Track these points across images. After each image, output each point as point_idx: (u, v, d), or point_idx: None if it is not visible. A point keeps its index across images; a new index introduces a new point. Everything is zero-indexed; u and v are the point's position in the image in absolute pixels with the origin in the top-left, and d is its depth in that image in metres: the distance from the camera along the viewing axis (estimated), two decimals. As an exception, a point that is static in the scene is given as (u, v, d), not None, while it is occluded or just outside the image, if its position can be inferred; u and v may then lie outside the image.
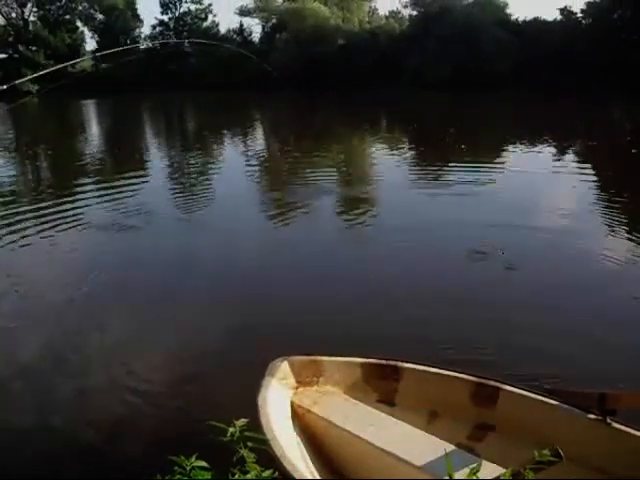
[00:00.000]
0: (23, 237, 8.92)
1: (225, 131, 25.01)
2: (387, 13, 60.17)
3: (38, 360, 5.19)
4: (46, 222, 9.65)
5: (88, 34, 60.49)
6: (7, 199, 11.83)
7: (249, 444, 1.88)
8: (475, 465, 1.88)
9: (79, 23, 59.99)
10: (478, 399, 3.41)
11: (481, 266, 7.23)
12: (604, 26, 39.09)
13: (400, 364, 3.62)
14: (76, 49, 58.12)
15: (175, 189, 13.07)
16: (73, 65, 56.08)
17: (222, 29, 59.89)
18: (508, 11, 46.85)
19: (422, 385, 3.54)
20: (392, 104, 35.45)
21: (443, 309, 5.89)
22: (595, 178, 13.18)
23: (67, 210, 10.53)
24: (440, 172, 14.01)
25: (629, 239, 8.41)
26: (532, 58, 39.76)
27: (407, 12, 53.45)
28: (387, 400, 3.59)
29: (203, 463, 1.77)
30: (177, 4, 59.68)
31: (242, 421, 1.93)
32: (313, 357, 3.64)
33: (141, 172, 15.31)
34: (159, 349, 5.34)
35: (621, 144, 17.55)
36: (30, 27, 57.14)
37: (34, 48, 54.23)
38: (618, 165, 14.37)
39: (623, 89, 32.80)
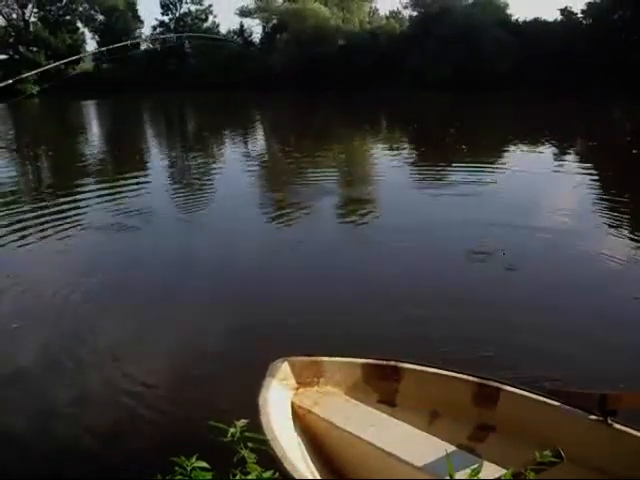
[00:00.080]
0: (23, 237, 8.94)
1: (225, 131, 25.01)
2: (387, 13, 60.15)
3: (38, 360, 5.20)
4: (47, 222, 9.67)
5: (89, 35, 60.51)
6: (8, 199, 11.82)
7: (250, 445, 1.87)
8: (476, 466, 1.88)
9: (79, 24, 59.98)
10: (479, 399, 3.41)
11: (481, 266, 7.23)
12: (604, 26, 39.06)
13: (401, 364, 3.61)
14: (77, 50, 57.97)
15: (175, 189, 13.09)
16: (74, 65, 56.25)
17: (222, 30, 59.96)
18: (508, 11, 46.81)
19: (423, 385, 3.54)
20: (392, 104, 35.44)
21: (443, 309, 5.89)
22: (595, 178, 13.16)
23: (67, 210, 10.54)
24: (440, 172, 14.01)
25: (629, 239, 8.40)
26: (532, 58, 39.72)
27: (407, 12, 53.46)
28: (388, 400, 3.59)
29: (204, 464, 1.76)
30: (177, 5, 59.67)
31: (243, 422, 1.93)
32: (314, 358, 3.63)
33: (141, 173, 15.32)
34: (159, 349, 5.34)
35: (621, 144, 17.55)
36: (31, 28, 57.11)
37: (35, 49, 54.22)
38: (618, 165, 14.36)
39: (623, 89, 32.79)
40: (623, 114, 28.85)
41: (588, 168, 14.30)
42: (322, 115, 32.23)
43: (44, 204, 11.27)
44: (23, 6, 57.08)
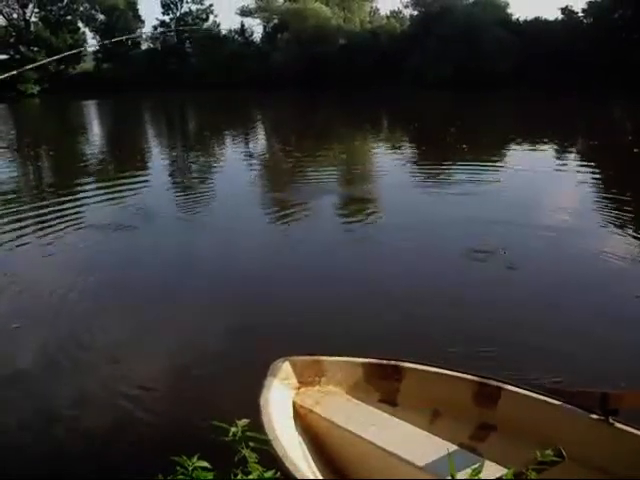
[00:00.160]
0: (23, 237, 8.94)
1: (226, 131, 25.01)
2: (388, 13, 60.14)
3: (38, 360, 5.20)
4: (47, 222, 9.68)
5: (89, 34, 60.55)
6: (8, 199, 11.84)
7: (251, 444, 1.87)
8: (477, 465, 1.88)
9: (80, 24, 60.00)
10: (480, 399, 3.41)
11: (482, 265, 7.22)
12: (605, 25, 39.03)
13: (402, 364, 3.61)
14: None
15: (176, 189, 13.09)
16: (74, 65, 56.30)
17: (223, 29, 59.85)
18: (509, 11, 46.82)
19: (424, 385, 3.53)
20: (393, 104, 35.43)
21: (444, 308, 5.88)
22: (596, 177, 13.15)
23: (68, 209, 10.54)
24: (441, 171, 14.00)
25: (630, 238, 8.38)
26: (533, 57, 39.70)
27: (408, 12, 53.40)
28: (389, 400, 3.59)
29: (205, 463, 1.77)
30: (178, 4, 59.65)
31: (244, 421, 1.93)
32: (315, 357, 3.63)
33: (142, 172, 15.33)
34: (160, 349, 5.34)
35: (622, 143, 17.53)
36: (31, 28, 57.15)
37: (35, 49, 54.21)
38: (619, 164, 14.35)
39: (624, 88, 32.77)
40: (624, 113, 28.83)
41: (589, 167, 14.29)
42: (323, 114, 32.23)
43: (44, 203, 11.27)
44: (24, 6, 57.09)
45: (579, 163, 15.05)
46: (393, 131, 25.43)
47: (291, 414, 3.35)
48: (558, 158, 16.01)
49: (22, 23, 57.24)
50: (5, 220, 9.93)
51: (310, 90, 43.08)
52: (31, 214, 10.43)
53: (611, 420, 3.02)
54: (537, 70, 38.96)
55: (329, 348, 3.84)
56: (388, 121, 29.88)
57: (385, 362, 3.64)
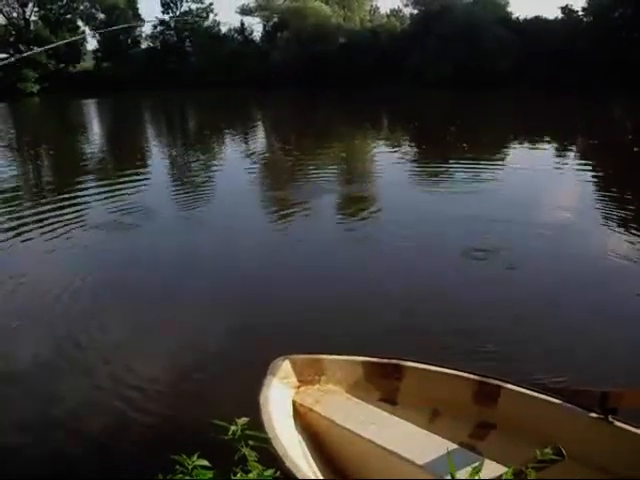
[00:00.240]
0: (24, 236, 8.95)
1: (226, 130, 24.98)
2: (388, 12, 60.01)
3: (38, 359, 5.20)
4: (47, 221, 9.67)
5: (89, 33, 60.57)
6: (9, 198, 11.84)
7: (251, 443, 1.87)
8: (477, 464, 1.88)
9: (80, 23, 59.88)
10: (480, 397, 3.41)
11: (482, 264, 7.23)
12: (605, 24, 38.99)
13: (402, 363, 3.62)
14: (77, 48, 58.08)
15: (176, 187, 13.08)
16: (74, 64, 56.26)
17: (223, 28, 59.75)
18: (509, 9, 46.77)
19: (424, 384, 3.54)
20: (393, 102, 35.39)
21: (444, 307, 5.89)
22: (597, 176, 13.15)
23: (68, 208, 10.54)
24: (441, 170, 13.99)
25: (631, 236, 8.38)
26: (533, 56, 39.67)
27: (408, 11, 53.28)
28: (389, 399, 3.59)
29: (205, 462, 1.77)
30: (178, 3, 59.53)
31: (244, 420, 1.93)
32: (315, 356, 3.64)
33: (142, 171, 15.32)
34: (159, 348, 5.34)
35: (622, 142, 17.51)
36: (31, 27, 57.07)
37: (35, 48, 54.18)
38: (619, 163, 14.34)
39: (624, 87, 32.74)
40: (623, 112, 28.80)
41: (589, 166, 14.29)
42: (323, 113, 32.22)
43: (45, 203, 11.27)
44: (24, 5, 56.99)
45: (579, 162, 15.06)
46: (393, 130, 25.41)
47: (291, 413, 3.35)
48: (558, 157, 16.00)
49: (22, 22, 57.17)
50: (5, 219, 9.93)
51: (310, 89, 43.06)
52: (31, 213, 10.43)
53: (610, 419, 3.02)
54: (537, 69, 38.93)
55: (329, 347, 3.84)
56: (388, 120, 29.85)
57: (385, 361, 3.65)
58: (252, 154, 18.17)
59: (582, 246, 7.94)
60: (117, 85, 50.67)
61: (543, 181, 12.51)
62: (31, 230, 9.26)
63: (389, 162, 15.39)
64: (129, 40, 59.52)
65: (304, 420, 3.37)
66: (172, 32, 59.05)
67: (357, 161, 16.77)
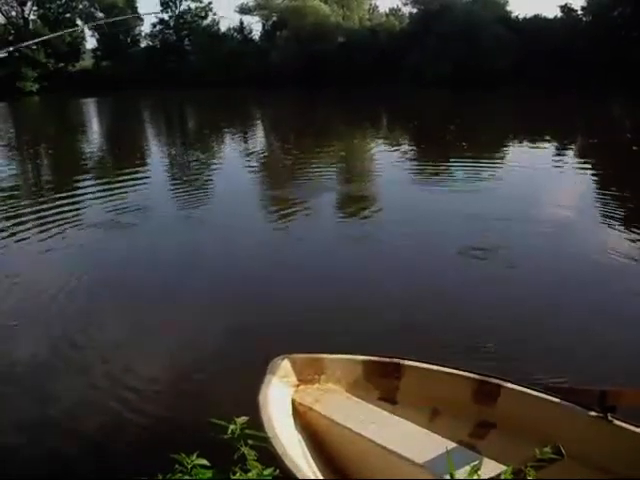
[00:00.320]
0: (23, 235, 8.94)
1: (225, 129, 24.97)
2: (387, 11, 59.82)
3: (37, 359, 5.19)
4: (46, 220, 9.67)
5: (88, 32, 60.33)
6: (7, 198, 11.83)
7: (250, 442, 1.87)
8: (477, 463, 1.88)
9: (79, 22, 59.83)
10: (479, 397, 3.41)
11: (482, 263, 7.22)
12: (604, 23, 38.96)
13: (402, 362, 3.61)
14: (76, 47, 58.05)
15: (176, 187, 13.07)
16: (74, 63, 56.18)
17: (222, 27, 59.66)
18: (508, 8, 46.69)
19: (424, 383, 3.54)
20: (392, 102, 35.38)
21: (444, 307, 5.90)
22: (596, 174, 13.17)
23: (67, 208, 10.53)
24: (441, 169, 14.00)
25: (630, 235, 8.39)
26: (532, 55, 39.62)
27: (407, 10, 53.13)
28: (389, 398, 3.59)
29: (204, 461, 1.77)
30: (177, 2, 59.39)
31: (243, 419, 1.93)
32: (314, 355, 3.64)
33: (141, 170, 15.31)
34: (159, 348, 5.34)
35: (622, 141, 17.52)
36: (30, 26, 56.94)
37: (34, 47, 54.05)
38: (619, 162, 14.34)
39: (623, 86, 32.73)
40: (623, 111, 28.81)
41: (589, 164, 14.31)
42: (322, 112, 32.20)
43: (44, 201, 11.26)
44: (22, 4, 56.89)
45: (578, 161, 15.07)
46: (392, 129, 25.41)
47: (290, 412, 3.35)
48: (557, 156, 16.00)
49: (21, 21, 57.06)
50: (4, 218, 9.92)
51: (309, 88, 43.03)
52: (30, 212, 10.43)
53: (610, 417, 3.02)
54: (536, 68, 38.89)
55: (329, 347, 3.84)
56: (387, 119, 29.85)
57: (385, 360, 3.65)
58: (252, 153, 18.17)
59: (582, 245, 7.95)
60: (116, 84, 50.58)
61: (543, 180, 12.51)
62: (29, 229, 9.26)
63: (389, 161, 15.39)
64: (128, 39, 59.47)
65: (304, 419, 3.37)
66: (171, 31, 58.98)
67: (356, 160, 16.77)
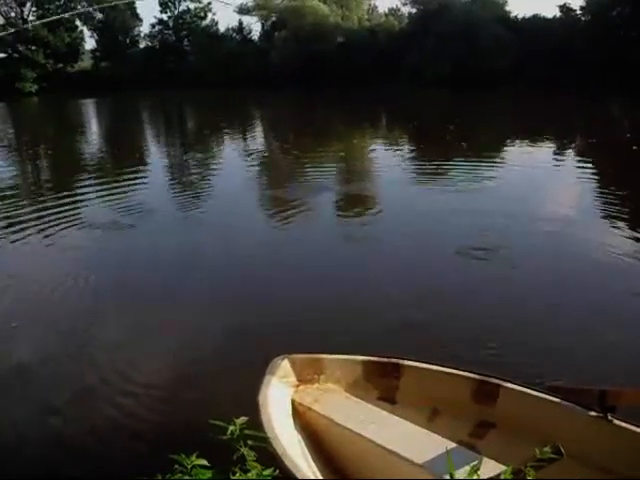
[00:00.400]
0: (22, 235, 8.93)
1: (225, 129, 24.97)
2: (386, 11, 59.73)
3: (37, 359, 5.19)
4: (46, 221, 9.66)
5: (87, 33, 60.25)
6: (7, 198, 11.82)
7: (249, 442, 1.87)
8: (476, 462, 1.88)
9: (78, 22, 59.69)
10: (479, 396, 3.41)
11: (482, 263, 7.22)
12: (603, 23, 38.94)
13: (401, 362, 3.61)
14: (75, 48, 58.01)
15: (175, 187, 13.08)
16: (72, 64, 56.12)
17: (221, 27, 59.65)
18: (507, 8, 46.62)
19: (423, 383, 3.54)
20: (391, 102, 35.38)
21: (443, 307, 5.89)
22: (595, 174, 13.17)
23: (66, 207, 10.52)
24: (440, 169, 14.00)
25: (630, 235, 8.39)
26: (531, 55, 39.60)
27: (406, 10, 53.10)
28: (388, 398, 3.59)
29: (204, 462, 1.77)
30: (176, 3, 59.35)
31: (242, 419, 1.93)
32: (314, 355, 3.64)
33: (141, 171, 15.31)
34: (159, 348, 5.34)
35: (621, 141, 17.53)
36: (29, 26, 56.96)
37: (33, 47, 53.96)
38: (618, 162, 14.35)
39: (622, 86, 32.74)
40: (622, 111, 28.82)
41: (588, 164, 14.31)
42: (321, 113, 32.18)
43: (43, 201, 11.25)
44: (22, 4, 56.85)
45: (578, 160, 15.07)
46: (392, 129, 25.42)
47: (290, 412, 3.35)
48: (557, 155, 16.02)
49: (20, 22, 57.03)
50: (4, 219, 9.92)
51: (308, 88, 43.02)
52: (29, 212, 10.42)
53: (609, 417, 3.02)
54: (535, 68, 38.87)
55: (329, 347, 3.84)
56: (386, 119, 29.85)
57: (384, 360, 3.65)
58: (251, 153, 18.17)
59: (581, 244, 7.94)
60: (115, 85, 50.54)
61: (542, 179, 12.52)
62: (30, 230, 9.24)
63: (388, 161, 15.40)
64: (127, 40, 59.41)
65: (303, 419, 3.37)
66: (170, 32, 58.95)
67: (356, 160, 16.77)
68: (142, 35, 60.89)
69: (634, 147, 15.11)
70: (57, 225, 9.40)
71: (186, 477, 1.74)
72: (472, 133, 19.85)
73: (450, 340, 5.07)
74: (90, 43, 60.32)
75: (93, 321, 5.88)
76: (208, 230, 9.26)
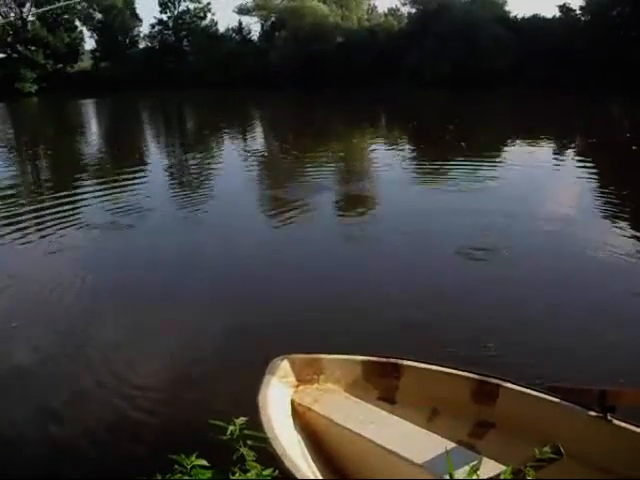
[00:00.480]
0: (22, 236, 8.93)
1: (225, 129, 24.96)
2: (386, 11, 59.77)
3: (36, 360, 5.19)
4: (45, 221, 9.66)
5: (87, 33, 60.27)
6: (7, 198, 11.82)
7: (249, 442, 1.87)
8: (476, 462, 1.88)
9: (78, 22, 59.71)
10: (479, 396, 3.41)
11: (482, 263, 7.22)
12: (603, 23, 38.93)
13: (401, 362, 3.61)
14: (75, 48, 58.03)
15: (175, 187, 13.09)
16: (72, 64, 56.14)
17: (221, 28, 59.63)
18: (507, 8, 46.68)
19: (423, 383, 3.53)
20: (391, 102, 35.38)
21: (443, 307, 5.89)
22: (595, 174, 13.17)
23: (66, 207, 10.53)
24: (440, 169, 14.00)
25: (629, 235, 8.39)
26: (531, 55, 39.60)
27: (406, 10, 53.13)
28: (388, 398, 3.59)
29: (203, 462, 1.77)
30: (176, 3, 59.37)
31: (242, 419, 1.93)
32: (313, 355, 3.63)
33: (141, 171, 15.30)
34: (159, 348, 5.34)
35: (621, 141, 17.52)
36: (29, 27, 56.96)
37: (33, 48, 54.00)
38: (618, 162, 14.35)
39: (622, 86, 32.74)
40: (621, 111, 28.81)
41: (588, 164, 14.30)
42: (321, 113, 32.18)
43: (42, 201, 11.26)
44: (21, 5, 56.88)
45: (577, 160, 15.07)
46: (391, 129, 25.41)
47: (289, 412, 3.35)
48: (556, 155, 16.02)
49: (19, 22, 57.01)
50: (3, 219, 9.92)
51: (308, 88, 43.02)
52: (29, 213, 10.43)
53: (609, 417, 3.02)
54: (535, 68, 38.87)
55: (328, 347, 3.84)
56: (386, 119, 29.84)
57: (384, 360, 3.64)
58: (251, 154, 18.16)
59: (581, 244, 7.93)
60: (115, 85, 50.56)
61: (542, 179, 12.52)
62: (29, 230, 9.25)
63: (388, 161, 15.38)
64: (127, 40, 59.42)
65: (303, 419, 3.36)
66: (170, 32, 58.96)
67: (355, 160, 16.77)
68: (142, 35, 61.01)
69: (634, 147, 15.10)
70: (56, 225, 9.39)
71: (186, 477, 1.74)
72: (472, 133, 19.85)
73: (450, 340, 5.07)
74: (90, 43, 60.43)
75: (93, 321, 5.88)
76: (208, 230, 9.26)
